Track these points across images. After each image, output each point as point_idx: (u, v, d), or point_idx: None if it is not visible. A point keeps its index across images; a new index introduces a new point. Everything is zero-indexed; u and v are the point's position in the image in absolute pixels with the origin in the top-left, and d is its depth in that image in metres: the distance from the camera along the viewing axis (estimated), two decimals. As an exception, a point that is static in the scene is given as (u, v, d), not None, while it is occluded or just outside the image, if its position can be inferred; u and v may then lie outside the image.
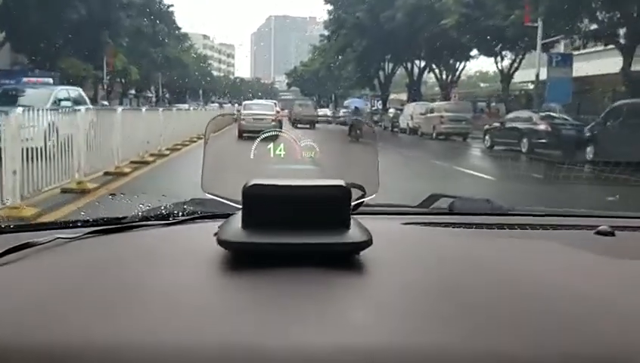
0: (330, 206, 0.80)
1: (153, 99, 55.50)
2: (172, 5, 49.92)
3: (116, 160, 9.49)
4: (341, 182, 0.81)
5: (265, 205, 0.79)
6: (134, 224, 1.09)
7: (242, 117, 1.32)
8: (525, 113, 19.60)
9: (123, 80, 48.59)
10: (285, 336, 0.63)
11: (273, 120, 1.15)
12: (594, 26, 22.18)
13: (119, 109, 9.90)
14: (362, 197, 0.97)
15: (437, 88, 40.94)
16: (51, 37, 33.94)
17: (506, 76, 30.23)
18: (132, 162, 10.77)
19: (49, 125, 7.52)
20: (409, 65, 41.76)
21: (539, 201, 6.58)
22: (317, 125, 1.31)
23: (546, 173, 11.55)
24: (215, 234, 0.82)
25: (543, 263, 0.95)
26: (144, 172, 10.19)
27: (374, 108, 46.79)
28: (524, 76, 30.62)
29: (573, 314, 0.71)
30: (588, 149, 14.89)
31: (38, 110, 7.07)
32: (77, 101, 12.22)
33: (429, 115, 26.58)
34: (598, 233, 1.15)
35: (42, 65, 33.91)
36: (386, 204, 1.37)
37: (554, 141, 16.79)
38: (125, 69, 45.90)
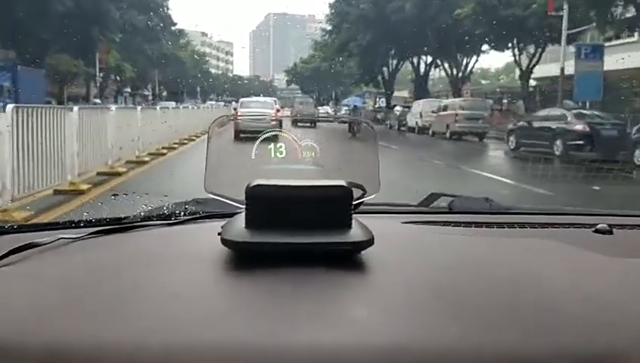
0: (332, 206, 0.81)
1: (150, 97, 54.01)
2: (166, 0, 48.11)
3: (70, 174, 7.34)
4: (343, 182, 0.83)
5: (268, 205, 0.80)
6: (137, 224, 1.09)
7: (238, 116, 1.08)
8: (557, 111, 17.61)
9: (118, 77, 47.09)
10: (289, 335, 0.63)
11: (273, 119, 1.11)
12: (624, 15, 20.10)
13: (76, 108, 7.70)
14: (363, 196, 0.96)
15: (442, 86, 39.09)
16: (38, 31, 32.09)
17: (525, 71, 27.97)
18: (98, 173, 8.74)
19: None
20: (416, 60, 39.75)
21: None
22: (318, 124, 1.31)
23: (599, 181, 9.61)
24: (219, 234, 0.82)
25: (542, 261, 0.95)
26: (106, 191, 7.82)
27: (376, 106, 44.78)
28: (537, 72, 28.44)
29: (572, 311, 0.72)
30: (637, 152, 13.29)
31: None
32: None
33: (441, 113, 24.70)
34: (597, 231, 1.17)
35: (32, 61, 32.03)
36: (387, 203, 1.39)
37: (594, 143, 14.84)
38: (119, 66, 44.43)
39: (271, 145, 1.00)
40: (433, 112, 25.65)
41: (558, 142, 15.76)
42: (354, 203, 0.85)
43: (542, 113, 18.49)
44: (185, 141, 16.28)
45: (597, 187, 9.26)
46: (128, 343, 0.61)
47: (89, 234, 1.00)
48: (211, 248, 0.84)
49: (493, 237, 1.14)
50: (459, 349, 0.62)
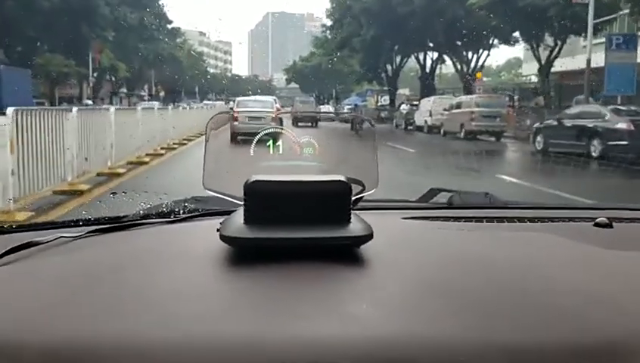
0: (331, 201, 0.81)
1: (146, 98, 52.34)
2: (161, -4, 46.40)
3: (11, 194, 5.48)
4: (342, 177, 0.82)
5: (266, 201, 0.80)
6: (136, 222, 1.09)
7: (236, 117, 1.29)
8: (592, 108, 15.76)
9: (112, 78, 45.44)
10: (289, 330, 0.64)
11: (273, 119, 1.11)
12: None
13: (11, 110, 5.89)
14: (362, 191, 0.96)
15: (446, 83, 37.19)
16: (24, 29, 30.33)
17: (545, 65, 26.00)
18: (54, 192, 6.92)
19: None
20: (422, 56, 37.86)
21: None
22: (319, 123, 1.27)
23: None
24: (218, 231, 0.82)
25: (542, 255, 0.95)
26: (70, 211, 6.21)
27: (379, 104, 42.92)
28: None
29: (573, 305, 0.72)
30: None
31: None
32: None
33: (455, 111, 22.88)
34: (597, 225, 1.16)
35: (20, 61, 30.27)
36: (386, 199, 1.38)
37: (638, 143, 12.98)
38: (113, 65, 42.65)
39: (271, 142, 0.99)
40: (444, 110, 23.86)
41: (596, 142, 13.96)
42: (353, 198, 0.84)
43: (574, 110, 16.58)
44: (163, 152, 13.07)
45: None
46: (128, 341, 0.61)
47: (89, 233, 1.00)
48: (210, 245, 0.84)
49: (493, 232, 1.15)
50: (458, 343, 0.62)
